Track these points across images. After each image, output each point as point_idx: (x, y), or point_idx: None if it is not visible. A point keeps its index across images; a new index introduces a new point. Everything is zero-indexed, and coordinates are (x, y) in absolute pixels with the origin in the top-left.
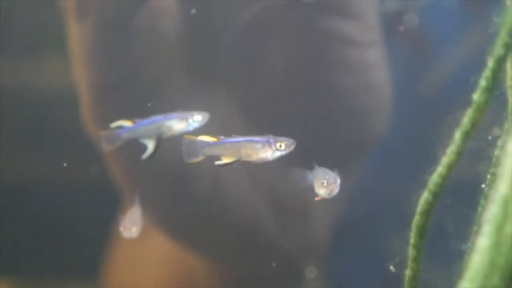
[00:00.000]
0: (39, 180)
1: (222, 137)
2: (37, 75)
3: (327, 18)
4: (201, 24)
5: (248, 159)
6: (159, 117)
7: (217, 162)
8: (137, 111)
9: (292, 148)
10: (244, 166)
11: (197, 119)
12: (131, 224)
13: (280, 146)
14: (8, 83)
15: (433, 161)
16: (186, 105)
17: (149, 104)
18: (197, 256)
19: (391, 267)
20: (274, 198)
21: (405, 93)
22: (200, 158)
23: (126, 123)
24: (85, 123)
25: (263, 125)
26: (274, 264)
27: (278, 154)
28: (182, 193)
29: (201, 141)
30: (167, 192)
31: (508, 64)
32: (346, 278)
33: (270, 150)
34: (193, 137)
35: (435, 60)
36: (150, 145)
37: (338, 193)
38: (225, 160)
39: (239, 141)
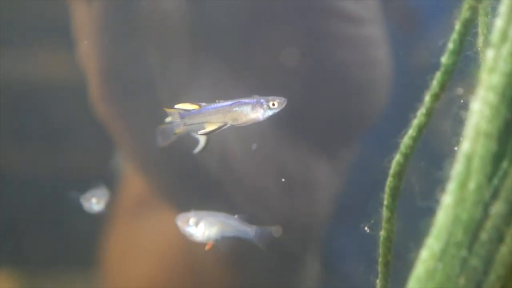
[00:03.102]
0: (37, 171)
1: (204, 104)
2: (40, 66)
3: None
4: (206, 5)
5: (236, 123)
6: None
7: (200, 132)
8: (144, 92)
9: (284, 105)
10: (252, 141)
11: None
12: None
13: (273, 104)
14: (10, 75)
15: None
16: (191, 85)
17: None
18: (199, 244)
19: (366, 229)
20: (280, 176)
21: (398, 69)
22: (182, 128)
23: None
24: (93, 103)
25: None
26: (279, 242)
27: (269, 113)
28: (190, 168)
29: (180, 111)
30: (176, 168)
31: (479, 29)
32: (345, 254)
33: (262, 110)
34: (171, 109)
35: (425, 36)
36: (202, 139)
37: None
38: (209, 127)
39: (225, 106)
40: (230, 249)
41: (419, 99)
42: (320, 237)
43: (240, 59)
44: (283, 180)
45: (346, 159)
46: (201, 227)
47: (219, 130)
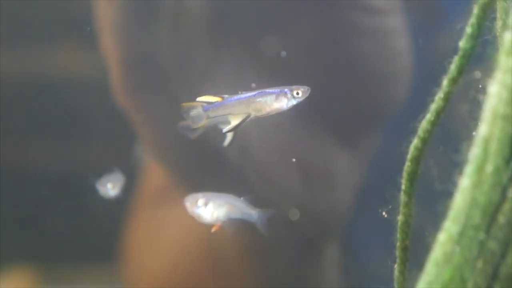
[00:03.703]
0: (54, 165)
1: (227, 96)
2: (61, 59)
3: None
4: None
5: (259, 114)
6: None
7: (225, 129)
8: (166, 82)
9: (308, 94)
10: (272, 132)
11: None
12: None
13: (297, 93)
14: (31, 69)
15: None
16: (213, 75)
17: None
18: (222, 230)
19: (384, 214)
20: (301, 168)
21: (419, 58)
22: (205, 121)
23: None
24: (115, 94)
25: None
26: (300, 232)
27: (293, 102)
28: (211, 158)
29: (202, 104)
30: (196, 158)
31: (497, 14)
32: (367, 241)
33: (286, 99)
34: (193, 103)
35: (447, 23)
36: (234, 122)
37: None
38: (233, 120)
39: (248, 97)
40: (251, 237)
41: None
42: (340, 225)
43: (262, 50)
44: (293, 160)
45: (368, 149)
46: (210, 208)
47: (244, 123)
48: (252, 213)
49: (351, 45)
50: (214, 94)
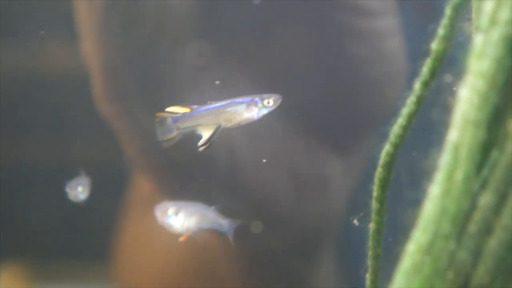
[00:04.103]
0: (47, 162)
1: (195, 106)
2: (44, 58)
3: None
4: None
5: (230, 124)
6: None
7: (200, 144)
8: (149, 90)
9: (279, 102)
10: (262, 139)
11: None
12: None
13: (268, 102)
14: (12, 67)
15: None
16: (198, 82)
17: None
18: (213, 236)
19: (355, 221)
20: (293, 174)
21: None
22: (175, 133)
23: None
24: (97, 101)
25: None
26: (292, 240)
27: (264, 112)
28: (198, 173)
29: (172, 115)
30: (182, 168)
31: (473, 15)
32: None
33: (256, 109)
34: (163, 113)
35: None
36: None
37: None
38: (203, 132)
39: (217, 107)
40: (242, 243)
41: (436, 91)
42: (333, 231)
43: (250, 55)
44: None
45: (361, 155)
46: (180, 218)
47: (216, 134)
48: (222, 223)
49: (343, 48)
50: (183, 105)
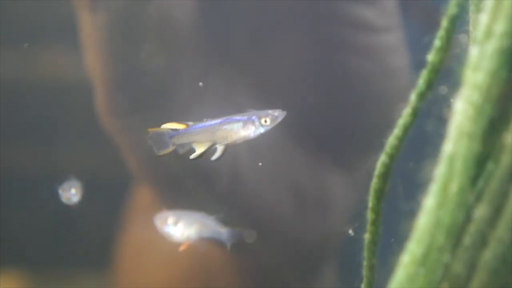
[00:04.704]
0: (46, 171)
1: (191, 123)
2: (47, 68)
3: (342, 3)
4: (215, 12)
5: (226, 142)
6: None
7: (191, 156)
8: (153, 104)
9: (278, 120)
10: (264, 154)
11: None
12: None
13: (266, 121)
14: (15, 77)
15: None
16: (202, 96)
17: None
18: (216, 248)
19: (350, 231)
20: (294, 190)
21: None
22: (170, 149)
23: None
24: (100, 114)
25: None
26: (293, 255)
27: (261, 130)
28: (200, 188)
29: (168, 131)
30: (184, 182)
31: (470, 27)
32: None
33: (253, 127)
34: (158, 129)
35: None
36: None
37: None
38: (198, 148)
39: (214, 124)
40: (245, 259)
41: (440, 105)
42: (336, 249)
43: (253, 69)
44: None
45: (363, 171)
46: (180, 227)
47: (210, 151)
48: (222, 232)
49: (346, 64)
50: (179, 122)
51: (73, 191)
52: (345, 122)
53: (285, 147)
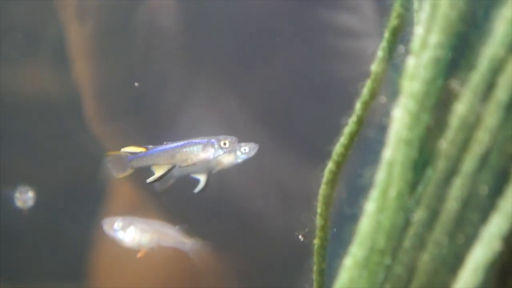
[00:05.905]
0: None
1: (151, 146)
2: (35, 78)
3: (324, 10)
4: (201, 21)
5: (185, 164)
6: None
7: (148, 180)
8: (140, 110)
9: (235, 144)
10: (250, 160)
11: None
12: None
13: (225, 144)
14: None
15: None
16: (187, 102)
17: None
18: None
19: (300, 237)
20: (281, 191)
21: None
22: (129, 172)
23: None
24: (89, 122)
25: (265, 118)
26: (279, 254)
27: (220, 153)
28: (185, 190)
29: (127, 155)
30: (171, 190)
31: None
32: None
33: (212, 149)
34: (117, 152)
35: None
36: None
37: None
38: (157, 171)
39: (173, 147)
40: (231, 261)
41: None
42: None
43: (239, 76)
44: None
45: (347, 170)
46: (131, 233)
47: (168, 173)
48: (186, 242)
49: (333, 70)
50: (138, 145)
51: (30, 194)
52: (328, 123)
53: (271, 148)
